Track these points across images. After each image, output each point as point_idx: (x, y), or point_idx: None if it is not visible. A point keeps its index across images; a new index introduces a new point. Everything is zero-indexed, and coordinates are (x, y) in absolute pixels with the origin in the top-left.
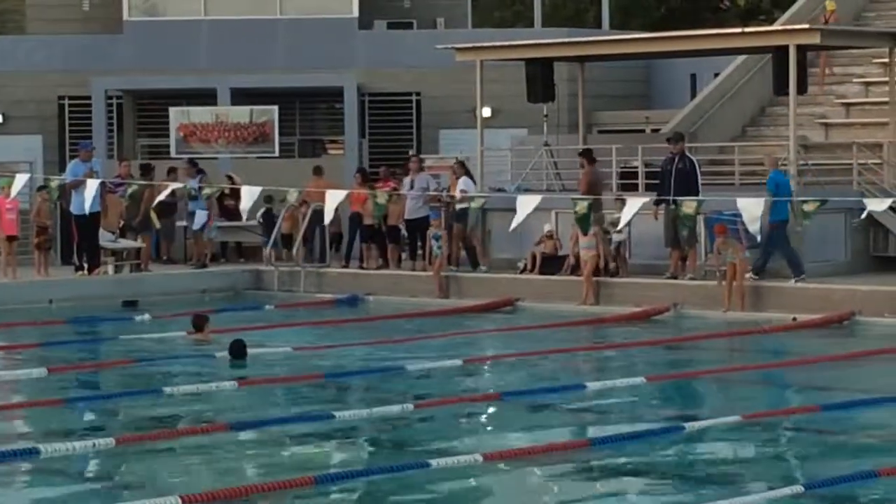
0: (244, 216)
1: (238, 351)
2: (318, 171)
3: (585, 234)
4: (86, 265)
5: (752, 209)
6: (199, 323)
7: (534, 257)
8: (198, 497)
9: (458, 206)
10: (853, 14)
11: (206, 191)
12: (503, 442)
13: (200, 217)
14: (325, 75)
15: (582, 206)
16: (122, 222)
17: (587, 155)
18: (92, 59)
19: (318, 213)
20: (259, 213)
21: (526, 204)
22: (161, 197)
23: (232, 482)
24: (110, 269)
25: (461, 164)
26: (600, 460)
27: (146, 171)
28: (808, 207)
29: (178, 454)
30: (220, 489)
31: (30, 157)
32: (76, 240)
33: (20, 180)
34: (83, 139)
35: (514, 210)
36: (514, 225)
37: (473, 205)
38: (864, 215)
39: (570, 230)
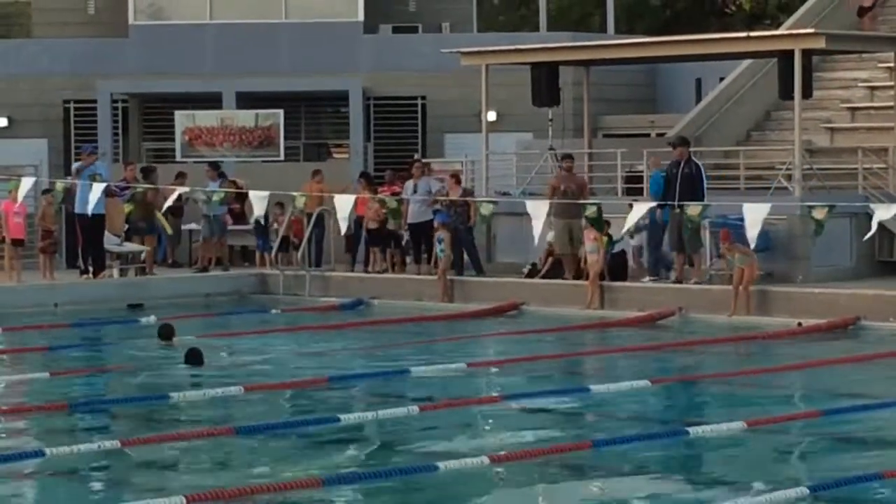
0: (261, 222)
1: (194, 359)
2: (316, 174)
3: (601, 231)
4: (91, 269)
5: (754, 214)
6: (166, 333)
7: (548, 255)
8: (203, 496)
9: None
10: (859, 19)
11: (216, 197)
12: (508, 445)
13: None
14: (331, 79)
15: (592, 211)
16: (126, 226)
17: (572, 158)
18: (97, 63)
19: (319, 217)
20: (253, 218)
21: (538, 210)
22: (169, 202)
23: (238, 484)
24: (115, 272)
25: (426, 165)
26: (604, 463)
27: (147, 173)
28: (818, 215)
29: (183, 457)
30: (225, 489)
31: (35, 161)
32: (81, 243)
33: (26, 184)
34: (88, 143)
35: (518, 214)
36: (536, 239)
37: (485, 212)
38: (873, 229)
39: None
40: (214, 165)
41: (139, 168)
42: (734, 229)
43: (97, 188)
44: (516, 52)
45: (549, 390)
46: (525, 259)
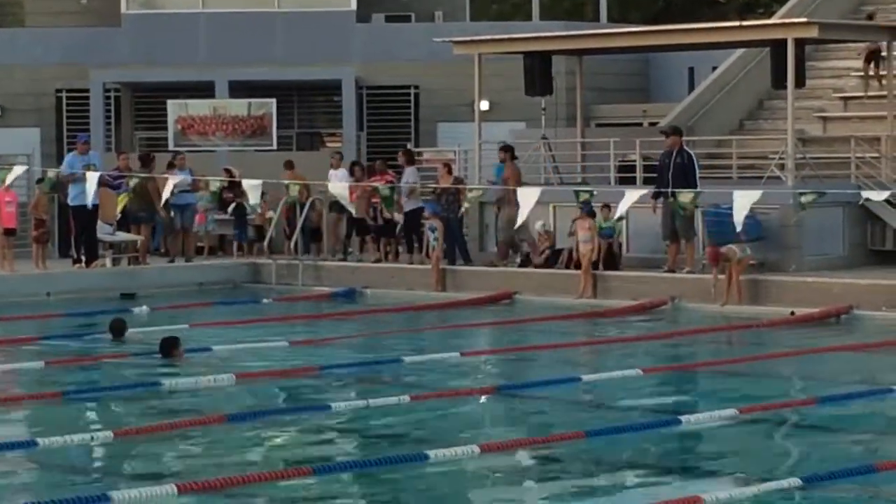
0: (259, 210)
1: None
2: (289, 165)
3: (591, 216)
4: (84, 258)
5: (742, 201)
6: (117, 326)
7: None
8: (194, 485)
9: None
10: (851, 8)
11: (213, 187)
12: (499, 434)
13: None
14: (323, 68)
15: (585, 196)
16: (118, 215)
17: (510, 150)
18: (90, 52)
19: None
20: (230, 207)
21: (527, 197)
22: (166, 194)
23: (229, 473)
24: (108, 261)
25: (407, 152)
26: (596, 452)
27: (146, 161)
28: (805, 199)
29: (175, 446)
30: (216, 478)
31: (27, 150)
32: (74, 233)
33: (16, 171)
34: (81, 132)
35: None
36: (519, 221)
37: (470, 195)
38: (860, 202)
39: (566, 224)
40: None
41: (137, 156)
42: (725, 219)
43: (92, 178)
44: (509, 42)
45: (542, 380)
46: (518, 248)
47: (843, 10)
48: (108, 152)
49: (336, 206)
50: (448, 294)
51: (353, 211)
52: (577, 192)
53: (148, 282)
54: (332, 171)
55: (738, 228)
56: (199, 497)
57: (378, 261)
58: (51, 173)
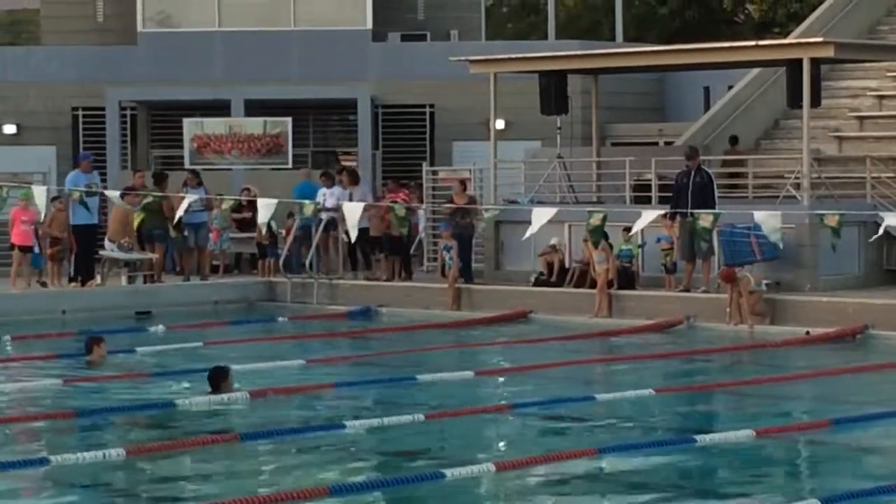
0: (263, 230)
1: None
2: None
3: (597, 246)
4: (80, 278)
5: (770, 221)
6: (89, 344)
7: (550, 267)
8: None
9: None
10: (867, 27)
11: (225, 206)
12: (514, 453)
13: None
14: (339, 87)
15: (596, 219)
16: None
17: (351, 174)
18: (106, 71)
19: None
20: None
21: (540, 216)
22: (180, 212)
23: (243, 493)
24: (123, 279)
25: (351, 172)
26: (610, 472)
27: (159, 180)
28: (831, 223)
29: (189, 465)
30: (233, 499)
31: (44, 168)
32: (75, 251)
33: (40, 193)
34: (98, 150)
35: (527, 222)
36: (527, 234)
37: (486, 215)
38: (881, 230)
39: (582, 242)
40: (195, 173)
41: (150, 174)
42: (739, 238)
43: (96, 198)
44: (525, 61)
45: (557, 398)
46: (533, 267)
47: (859, 29)
48: (124, 170)
49: (332, 224)
50: (464, 313)
51: (352, 234)
52: (588, 220)
53: (163, 300)
54: (325, 190)
55: (780, 247)
56: None
57: (389, 279)
58: (76, 195)
